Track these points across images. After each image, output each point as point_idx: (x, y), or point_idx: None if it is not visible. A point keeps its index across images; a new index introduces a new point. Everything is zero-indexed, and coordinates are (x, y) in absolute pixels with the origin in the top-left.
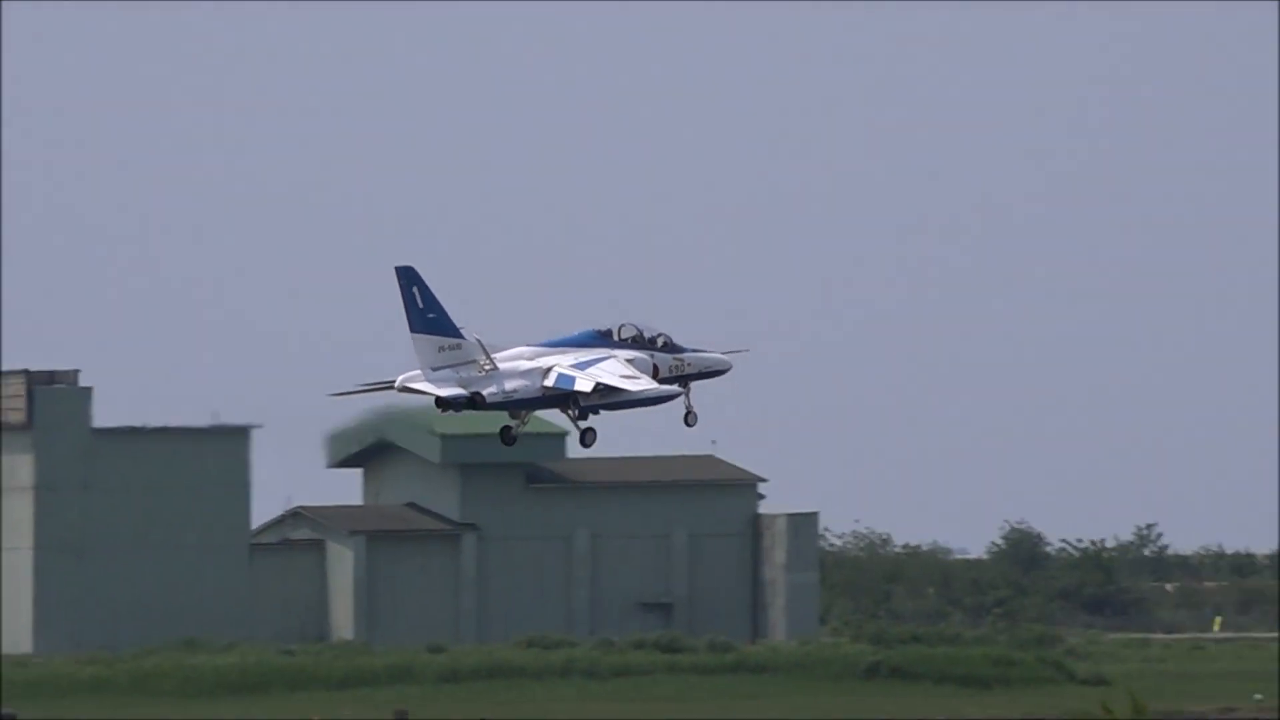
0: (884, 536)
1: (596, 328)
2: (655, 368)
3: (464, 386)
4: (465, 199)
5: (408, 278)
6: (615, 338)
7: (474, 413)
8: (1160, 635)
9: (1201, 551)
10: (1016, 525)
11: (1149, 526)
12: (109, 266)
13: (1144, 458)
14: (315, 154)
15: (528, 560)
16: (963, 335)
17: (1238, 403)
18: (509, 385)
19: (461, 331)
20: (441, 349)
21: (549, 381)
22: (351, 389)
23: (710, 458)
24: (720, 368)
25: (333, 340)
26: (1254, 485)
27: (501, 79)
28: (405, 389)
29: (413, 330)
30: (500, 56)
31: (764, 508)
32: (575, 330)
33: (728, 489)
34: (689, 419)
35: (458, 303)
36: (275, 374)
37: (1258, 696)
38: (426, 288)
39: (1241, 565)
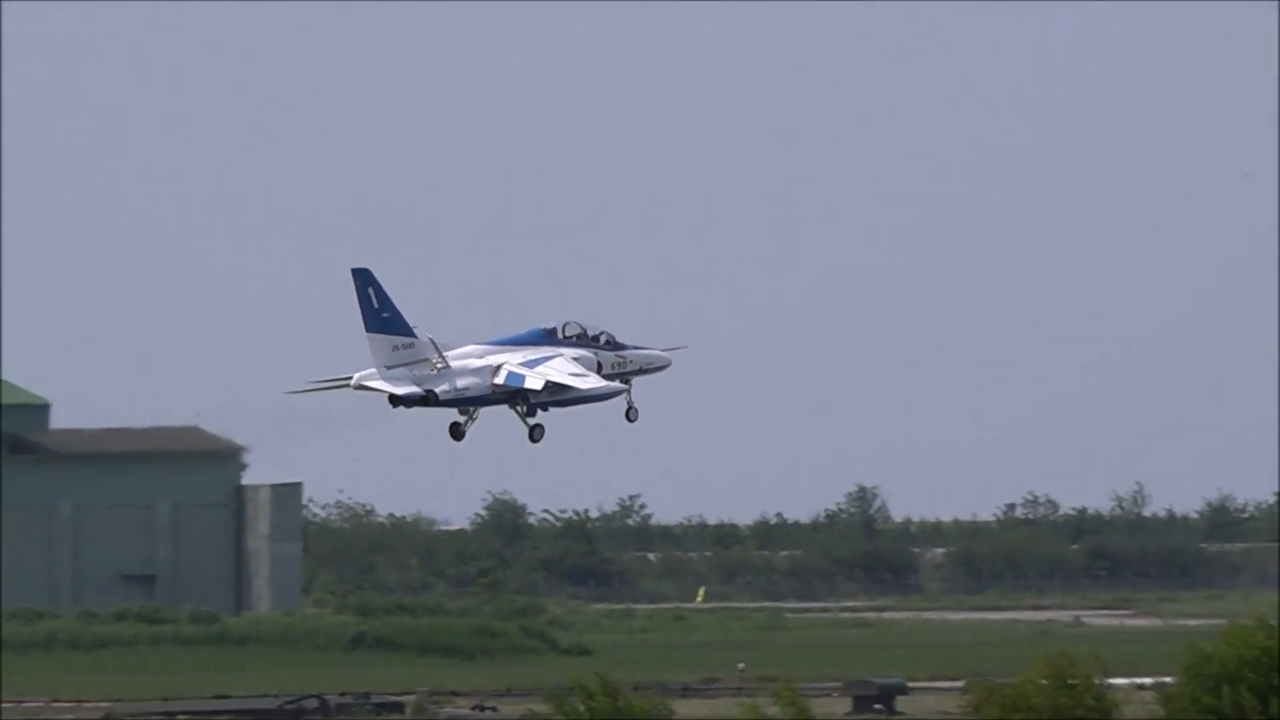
0: (367, 507)
1: (543, 326)
2: (599, 365)
3: (418, 384)
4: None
5: (363, 279)
6: (560, 335)
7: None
8: (644, 605)
9: (684, 522)
10: (499, 496)
11: (632, 498)
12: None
13: (627, 430)
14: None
15: (9, 532)
16: None
17: (710, 385)
18: (460, 383)
19: (414, 331)
20: (395, 348)
21: (498, 379)
22: (305, 386)
23: (194, 429)
24: (660, 364)
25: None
26: (735, 459)
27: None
28: (361, 386)
29: (368, 330)
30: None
31: (247, 478)
32: (522, 329)
33: (211, 460)
34: (630, 414)
35: (409, 301)
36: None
37: (741, 666)
38: (381, 289)
39: (724, 536)
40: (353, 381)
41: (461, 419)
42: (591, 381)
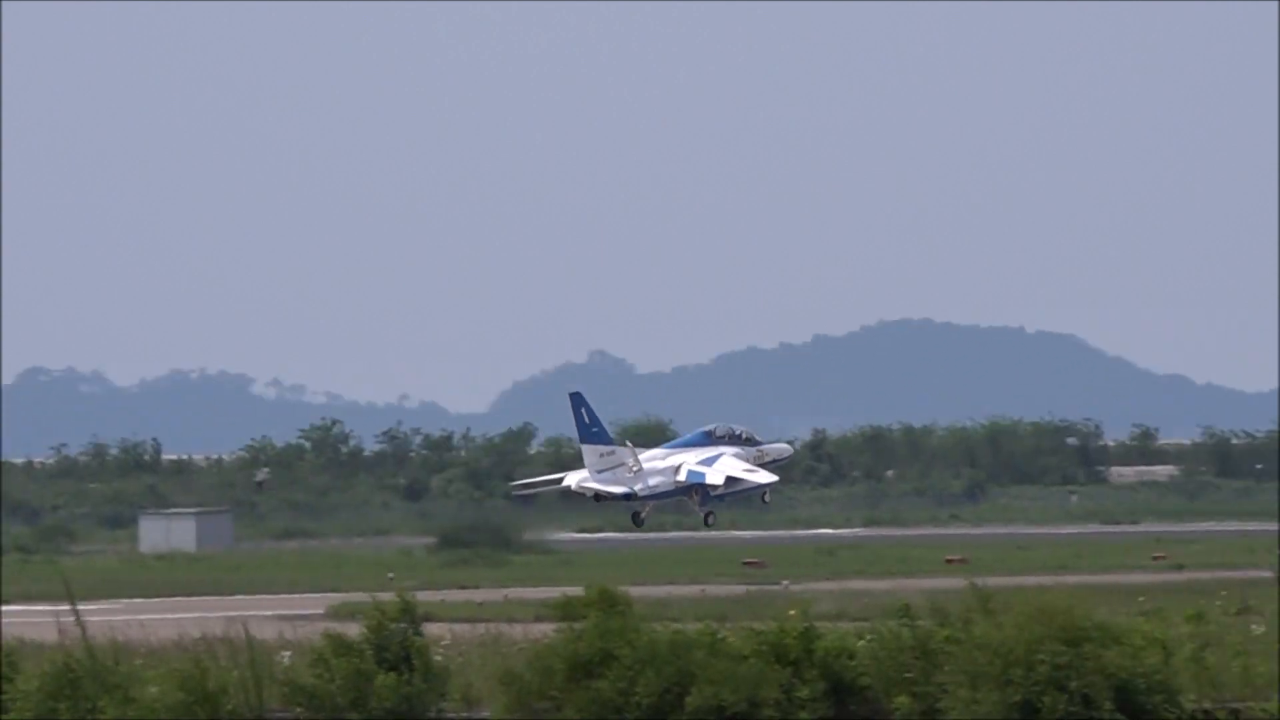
0: None
1: (703, 429)
2: (751, 459)
3: (623, 485)
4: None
5: (577, 401)
6: (715, 435)
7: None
8: None
9: None
10: None
11: None
12: None
13: None
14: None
15: None
16: None
17: None
18: (652, 481)
19: (614, 440)
20: (602, 455)
21: (680, 477)
22: (524, 484)
23: None
24: (784, 456)
25: None
26: None
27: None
28: (581, 487)
29: (581, 440)
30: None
31: None
32: (688, 434)
33: None
34: (765, 496)
35: None
36: None
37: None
38: (590, 408)
39: None
40: (574, 484)
41: (641, 510)
42: (760, 476)
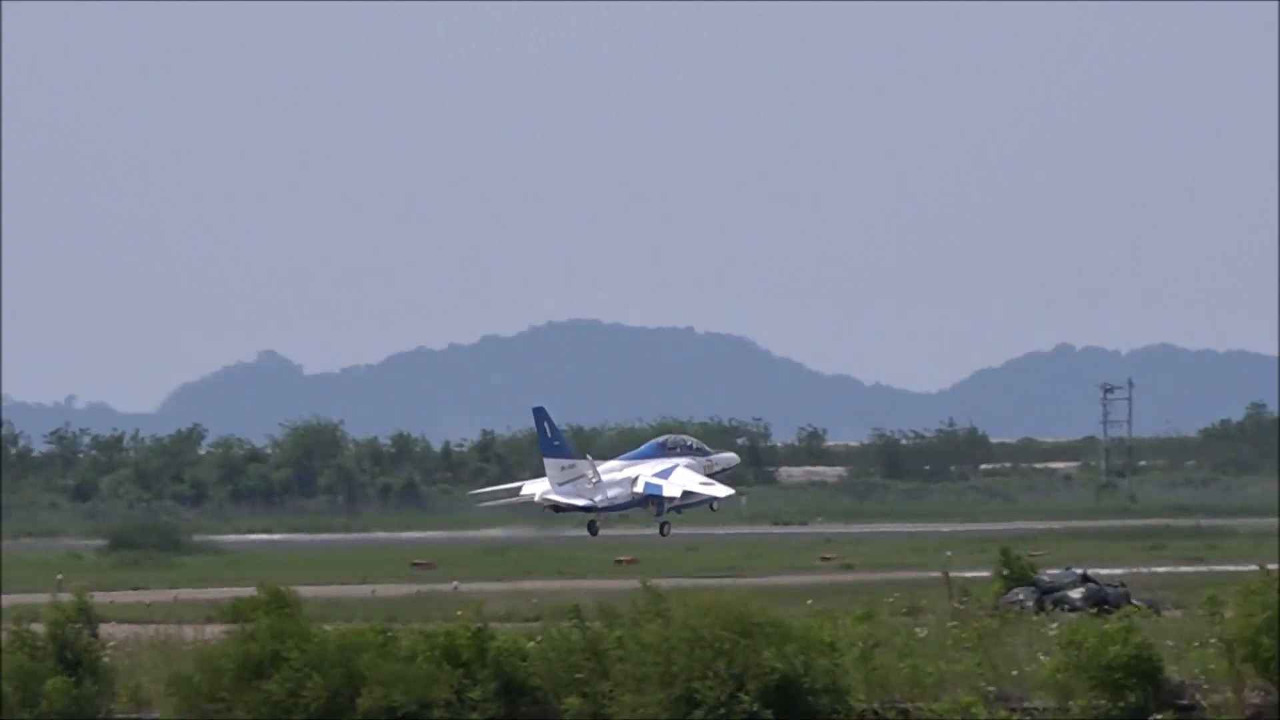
0: None
1: (656, 441)
2: (703, 469)
3: (583, 497)
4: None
5: (540, 416)
6: (667, 447)
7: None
8: None
9: None
10: None
11: None
12: None
13: None
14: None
15: None
16: None
17: None
18: (611, 493)
19: (574, 453)
20: (563, 468)
21: (637, 488)
22: (487, 494)
23: None
24: (732, 465)
25: None
26: None
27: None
28: (544, 499)
29: (544, 454)
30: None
31: None
32: (643, 446)
33: None
34: (713, 505)
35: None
36: None
37: None
38: (553, 422)
39: None
40: (537, 495)
41: (597, 519)
42: (716, 488)
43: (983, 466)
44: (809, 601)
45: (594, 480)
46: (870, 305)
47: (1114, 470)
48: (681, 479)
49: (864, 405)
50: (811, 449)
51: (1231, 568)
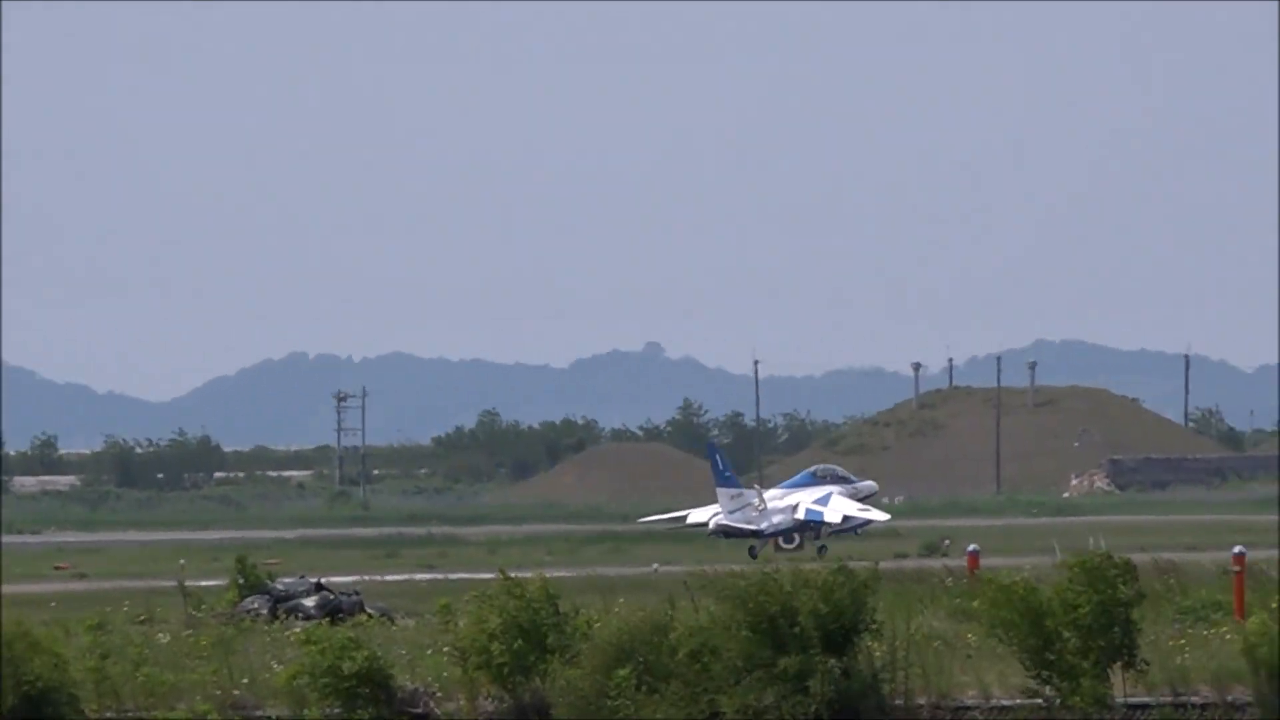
0: None
1: (809, 471)
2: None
3: (751, 523)
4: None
5: (712, 450)
6: (818, 476)
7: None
8: None
9: None
10: None
11: None
12: None
13: None
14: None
15: None
16: None
17: None
18: (775, 519)
19: (740, 484)
20: (732, 497)
21: (799, 515)
22: (657, 519)
23: None
24: (873, 491)
25: None
26: None
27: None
28: (718, 525)
29: (717, 485)
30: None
31: None
32: (796, 476)
33: None
34: (858, 530)
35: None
36: None
37: None
38: (725, 458)
39: None
40: (711, 523)
41: (758, 544)
42: (874, 514)
43: (216, 475)
44: (52, 607)
45: (760, 508)
46: (103, 310)
47: (348, 478)
48: (839, 505)
49: (98, 414)
50: (44, 458)
51: (465, 575)
